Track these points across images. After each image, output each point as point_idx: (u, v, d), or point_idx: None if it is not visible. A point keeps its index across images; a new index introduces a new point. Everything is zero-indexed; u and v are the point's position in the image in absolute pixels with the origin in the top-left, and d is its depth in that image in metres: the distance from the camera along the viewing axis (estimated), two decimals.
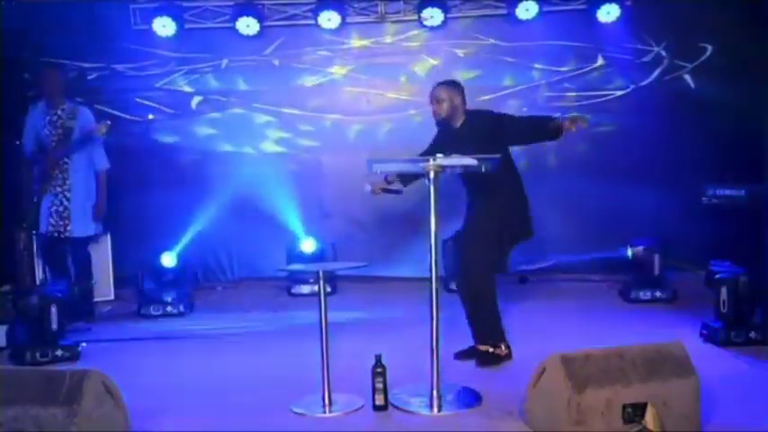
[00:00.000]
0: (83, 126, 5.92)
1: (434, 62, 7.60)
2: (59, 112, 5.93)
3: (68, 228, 5.92)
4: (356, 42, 7.62)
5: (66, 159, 5.90)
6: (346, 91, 7.68)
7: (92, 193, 6.06)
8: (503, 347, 4.61)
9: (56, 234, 5.91)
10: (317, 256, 6.93)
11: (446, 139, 4.60)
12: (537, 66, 7.55)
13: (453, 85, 4.72)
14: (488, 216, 4.57)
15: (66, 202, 5.91)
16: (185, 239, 6.94)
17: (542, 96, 7.57)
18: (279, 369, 4.64)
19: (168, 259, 6.65)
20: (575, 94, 7.54)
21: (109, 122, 5.82)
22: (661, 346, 3.38)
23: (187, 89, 7.64)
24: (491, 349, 4.58)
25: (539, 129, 4.50)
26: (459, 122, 4.67)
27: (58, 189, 5.90)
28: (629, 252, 6.42)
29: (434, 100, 4.67)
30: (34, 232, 6.12)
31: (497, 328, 4.63)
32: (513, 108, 7.57)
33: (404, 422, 3.68)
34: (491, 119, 4.63)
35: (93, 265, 6.34)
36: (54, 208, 5.90)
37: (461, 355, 4.65)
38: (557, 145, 7.48)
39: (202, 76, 7.62)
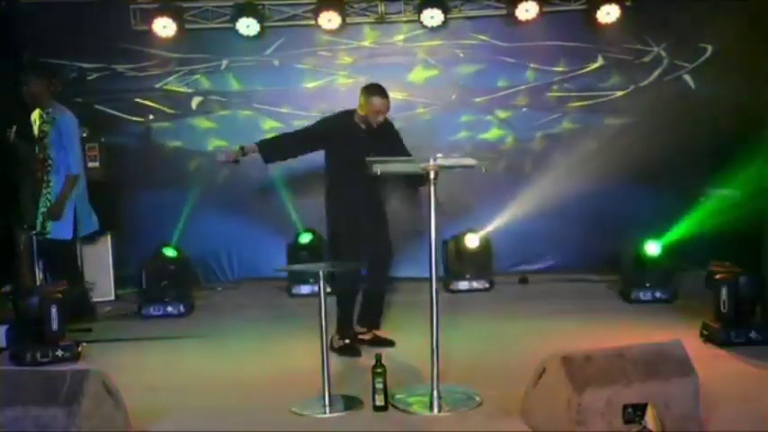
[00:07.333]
0: (59, 130, 5.86)
1: (434, 62, 7.60)
2: (44, 116, 5.92)
3: (48, 229, 5.84)
4: (356, 43, 7.62)
5: (49, 162, 5.86)
6: (346, 91, 7.66)
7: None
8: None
9: (37, 235, 5.88)
10: (314, 250, 6.84)
11: (363, 139, 4.95)
12: (537, 66, 7.54)
13: None
14: None
15: (49, 204, 5.85)
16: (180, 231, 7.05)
17: (542, 96, 7.57)
18: (279, 369, 4.64)
19: (169, 253, 6.67)
20: (575, 94, 7.55)
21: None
22: (661, 346, 3.38)
23: (187, 90, 7.63)
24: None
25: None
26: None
27: (44, 191, 5.87)
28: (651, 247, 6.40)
29: (387, 108, 4.99)
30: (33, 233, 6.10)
31: None
32: (511, 107, 7.60)
33: (404, 422, 3.68)
34: (389, 125, 5.14)
35: (94, 265, 6.30)
36: (42, 210, 5.87)
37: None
38: (557, 146, 7.59)
39: (202, 77, 7.61)
